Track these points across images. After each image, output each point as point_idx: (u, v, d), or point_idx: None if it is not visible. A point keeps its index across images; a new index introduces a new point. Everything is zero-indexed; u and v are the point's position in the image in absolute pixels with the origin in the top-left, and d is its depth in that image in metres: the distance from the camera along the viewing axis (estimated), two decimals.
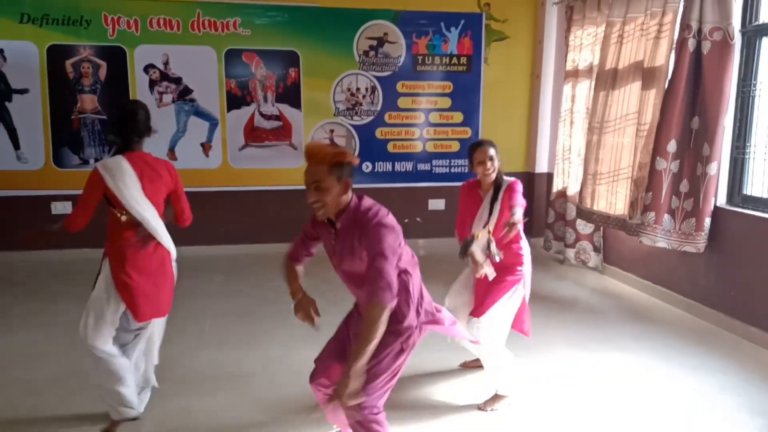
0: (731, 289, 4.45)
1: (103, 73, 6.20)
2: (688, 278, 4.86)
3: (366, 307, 2.25)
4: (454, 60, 6.85)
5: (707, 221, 4.53)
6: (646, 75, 4.91)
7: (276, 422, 3.14)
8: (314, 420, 3.00)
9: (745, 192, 4.52)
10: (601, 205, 5.49)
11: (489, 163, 3.30)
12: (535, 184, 7.02)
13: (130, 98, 6.21)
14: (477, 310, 3.30)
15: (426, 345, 2.84)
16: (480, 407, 3.30)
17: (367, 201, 2.36)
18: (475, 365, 3.77)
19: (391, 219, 2.32)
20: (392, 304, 2.24)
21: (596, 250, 6.07)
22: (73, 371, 3.70)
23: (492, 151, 3.31)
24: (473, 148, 3.35)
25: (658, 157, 4.67)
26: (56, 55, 6.09)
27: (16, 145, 6.16)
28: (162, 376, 3.37)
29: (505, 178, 3.39)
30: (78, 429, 3.08)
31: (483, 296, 3.33)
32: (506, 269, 3.32)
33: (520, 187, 3.35)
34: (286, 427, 3.09)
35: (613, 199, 5.35)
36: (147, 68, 6.26)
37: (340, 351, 2.55)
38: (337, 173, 2.25)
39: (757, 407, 3.32)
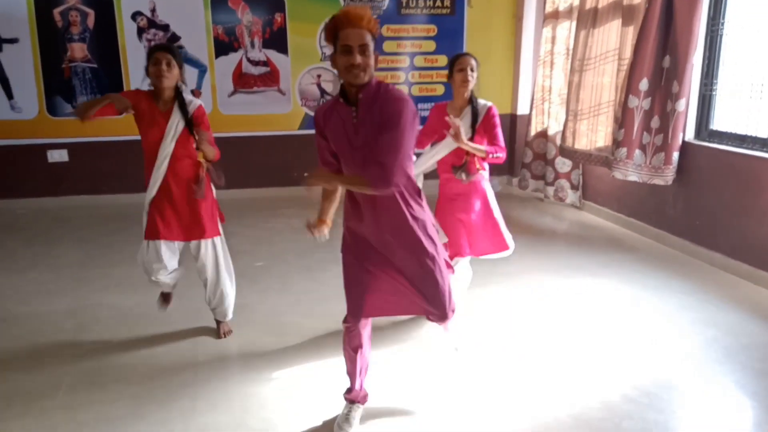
0: (697, 219, 4.77)
1: (91, 21, 6.27)
2: (657, 209, 5.18)
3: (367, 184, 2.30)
4: (438, 3, 6.95)
5: (675, 155, 4.81)
6: (626, 12, 5.08)
7: (277, 339, 3.45)
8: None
9: (711, 127, 4.79)
10: (582, 143, 5.74)
11: (469, 72, 3.33)
12: (518, 125, 7.24)
13: (119, 46, 6.32)
14: (496, 246, 3.56)
15: None
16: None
17: (384, 82, 2.36)
18: None
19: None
20: (387, 191, 2.31)
21: (574, 187, 6.36)
22: (86, 304, 4.00)
23: (473, 63, 3.35)
24: (456, 55, 3.40)
25: (630, 95, 4.90)
26: (44, 4, 6.14)
27: (9, 95, 6.27)
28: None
29: (480, 101, 3.43)
30: (98, 354, 3.37)
31: (485, 232, 3.51)
32: (473, 200, 3.45)
33: (497, 115, 3.40)
34: (286, 348, 3.40)
35: (594, 136, 5.59)
36: (134, 15, 6.33)
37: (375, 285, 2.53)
38: (374, 41, 2.28)
39: (711, 321, 3.68)
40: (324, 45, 6.78)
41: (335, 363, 3.20)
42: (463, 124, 3.32)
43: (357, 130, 2.32)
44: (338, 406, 2.78)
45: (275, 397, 2.93)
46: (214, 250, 3.38)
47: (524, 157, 6.86)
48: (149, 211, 3.25)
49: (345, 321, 2.59)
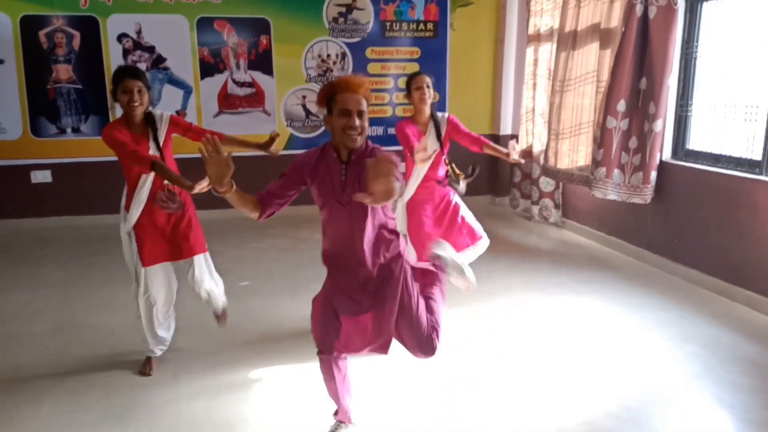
0: (674, 236, 4.86)
1: (77, 42, 6.31)
2: (636, 228, 5.27)
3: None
4: (421, 26, 7.08)
5: (653, 174, 4.91)
6: (603, 36, 5.22)
7: (260, 357, 3.46)
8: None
9: (688, 147, 4.91)
10: (564, 163, 5.84)
11: (426, 90, 3.65)
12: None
13: (104, 68, 6.35)
14: (473, 237, 3.83)
15: None
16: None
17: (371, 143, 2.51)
18: None
19: None
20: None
21: (557, 206, 6.45)
22: (69, 324, 3.98)
23: (428, 80, 3.68)
24: (412, 76, 3.74)
25: (608, 116, 5.01)
26: (29, 26, 6.18)
27: None
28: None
29: (438, 113, 3.79)
30: (81, 374, 3.35)
31: (455, 228, 3.79)
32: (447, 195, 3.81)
33: (457, 119, 3.82)
34: (268, 362, 3.41)
35: (575, 156, 5.69)
36: (120, 37, 6.38)
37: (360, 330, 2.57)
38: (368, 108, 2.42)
39: (690, 337, 3.75)
40: (309, 67, 6.86)
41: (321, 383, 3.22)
42: (430, 140, 3.66)
43: (344, 189, 2.43)
44: (325, 426, 2.79)
45: (260, 416, 2.94)
46: (206, 262, 3.44)
47: (513, 176, 6.96)
48: (138, 238, 3.23)
49: (319, 353, 2.57)
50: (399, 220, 3.83)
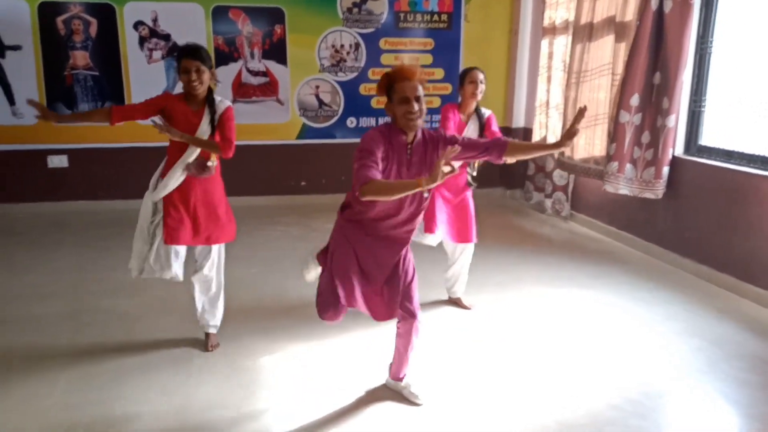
0: (685, 232, 4.86)
1: (93, 30, 6.37)
2: (647, 222, 5.27)
3: (507, 149, 2.74)
4: (435, 17, 7.07)
5: (665, 170, 4.90)
6: (618, 29, 5.20)
7: (271, 342, 3.52)
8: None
9: (700, 143, 4.89)
10: (579, 156, 5.84)
11: (480, 85, 3.78)
12: (513, 137, 7.34)
13: (120, 55, 6.42)
14: (467, 236, 3.91)
15: None
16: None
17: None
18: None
19: None
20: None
21: (569, 200, 6.45)
22: (84, 307, 4.06)
23: (482, 76, 3.80)
24: (467, 69, 3.84)
25: (621, 111, 5.01)
26: (47, 12, 6.25)
27: (11, 101, 6.36)
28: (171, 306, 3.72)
29: (482, 109, 3.91)
30: (94, 356, 3.43)
31: (459, 221, 3.90)
32: (462, 189, 3.92)
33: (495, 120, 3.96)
34: (279, 347, 3.47)
35: (591, 149, 5.68)
36: (136, 25, 6.44)
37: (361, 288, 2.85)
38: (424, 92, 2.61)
39: (697, 331, 3.76)
40: (323, 57, 6.89)
41: (328, 366, 3.28)
42: (471, 130, 3.84)
43: (410, 165, 2.67)
44: (335, 410, 2.84)
45: (270, 399, 2.99)
46: (219, 255, 3.42)
47: (527, 169, 6.97)
48: (165, 212, 3.22)
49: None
50: None
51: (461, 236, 3.95)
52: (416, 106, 2.55)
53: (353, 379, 3.19)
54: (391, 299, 2.84)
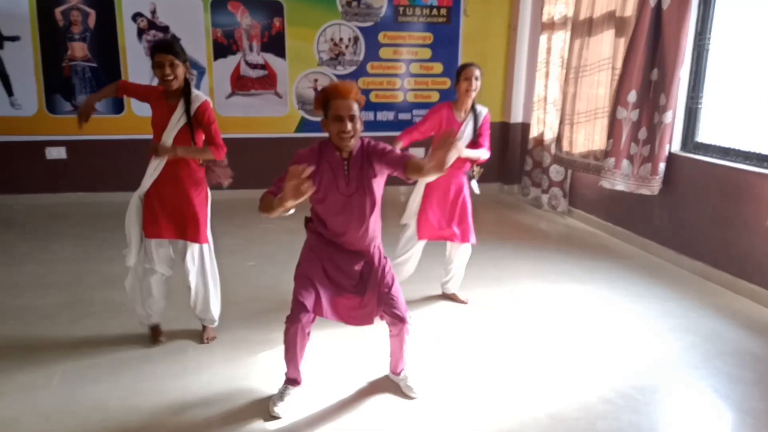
0: (681, 228, 4.88)
1: (92, 21, 6.36)
2: (643, 219, 5.29)
3: (412, 163, 2.63)
4: (435, 11, 7.06)
5: (662, 166, 4.91)
6: (618, 24, 5.20)
7: (266, 334, 3.53)
8: None
9: (697, 139, 4.90)
10: (577, 151, 5.85)
11: (474, 82, 3.72)
12: (510, 133, 7.35)
13: (119, 46, 6.41)
14: (465, 237, 3.93)
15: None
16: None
17: (365, 138, 2.74)
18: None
19: None
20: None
21: (565, 195, 6.47)
22: (81, 298, 4.08)
23: (478, 72, 3.74)
24: (463, 66, 3.79)
25: (619, 107, 5.02)
26: (45, 3, 6.23)
27: (10, 92, 6.35)
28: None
29: (478, 107, 3.85)
30: (92, 347, 3.45)
31: (453, 220, 3.90)
32: (459, 189, 3.92)
33: (489, 121, 3.91)
34: (274, 339, 3.48)
35: (590, 144, 5.69)
36: (135, 17, 6.43)
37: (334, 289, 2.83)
38: (360, 111, 2.62)
39: (691, 327, 3.79)
40: (322, 50, 6.88)
41: (322, 358, 3.29)
42: (467, 130, 3.79)
43: (348, 181, 2.68)
44: (334, 402, 2.87)
45: (263, 390, 3.01)
46: (201, 255, 3.39)
47: (524, 165, 6.98)
48: (144, 207, 3.28)
49: (291, 320, 2.78)
50: (415, 195, 3.94)
51: (454, 235, 3.95)
52: (349, 126, 2.56)
53: (354, 370, 3.21)
54: (363, 307, 2.86)
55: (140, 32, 6.47)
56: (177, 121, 3.19)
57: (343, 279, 2.82)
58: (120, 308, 3.92)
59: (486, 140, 3.87)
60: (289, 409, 2.85)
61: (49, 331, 3.63)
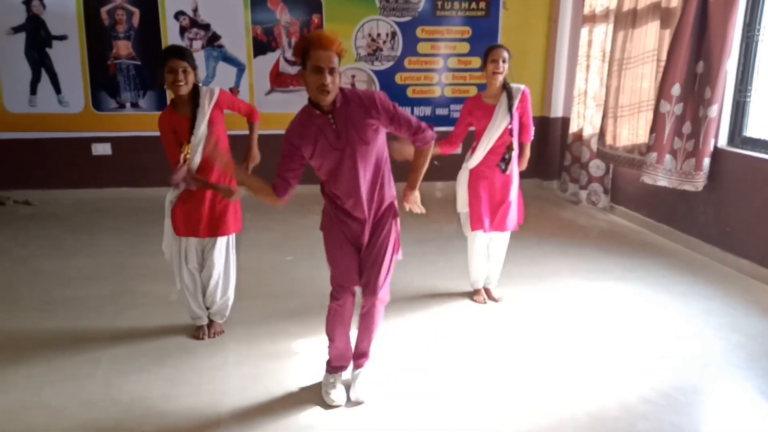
0: (727, 225, 4.74)
1: (136, 20, 6.51)
2: (687, 215, 5.16)
3: (419, 149, 2.76)
4: (473, 5, 7.01)
5: (706, 161, 4.78)
6: (663, 14, 5.08)
7: (304, 328, 3.57)
8: None
9: (745, 134, 4.75)
10: (620, 145, 5.74)
11: (501, 64, 3.64)
12: (550, 128, 7.25)
13: (162, 44, 6.55)
14: (502, 224, 3.87)
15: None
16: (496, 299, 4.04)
17: (344, 87, 2.64)
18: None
19: None
20: (434, 135, 2.76)
21: (606, 191, 6.35)
22: (125, 290, 4.20)
23: (506, 54, 3.66)
24: (490, 47, 3.71)
25: (662, 100, 4.90)
26: (92, 3, 6.42)
27: (58, 90, 6.56)
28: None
29: (513, 85, 3.75)
30: (135, 338, 3.55)
31: (500, 208, 3.85)
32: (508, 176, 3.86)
33: (530, 97, 3.82)
34: (311, 333, 3.52)
35: (634, 138, 5.57)
36: (177, 15, 6.56)
37: (357, 261, 2.83)
38: (339, 63, 2.49)
39: (737, 326, 3.68)
40: (359, 46, 6.90)
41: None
42: (500, 112, 3.70)
43: (338, 135, 2.59)
44: (365, 396, 2.89)
45: (300, 384, 3.05)
46: (225, 244, 3.45)
47: (563, 160, 6.88)
48: (173, 211, 3.32)
49: (336, 298, 2.83)
50: (461, 186, 3.90)
51: (497, 224, 3.88)
52: (329, 78, 2.43)
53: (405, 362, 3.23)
54: (362, 264, 2.81)
55: (182, 30, 6.59)
56: (200, 133, 3.21)
57: (357, 240, 2.80)
58: (162, 300, 4.01)
59: (529, 118, 3.84)
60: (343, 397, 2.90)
61: (95, 321, 3.74)
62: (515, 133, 3.77)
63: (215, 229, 3.38)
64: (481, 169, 3.82)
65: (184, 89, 3.15)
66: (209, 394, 2.95)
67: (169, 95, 6.48)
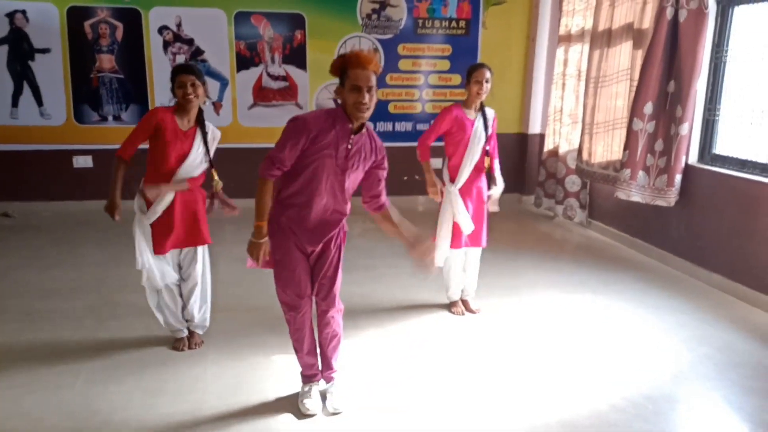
0: (698, 240, 4.87)
1: (119, 34, 6.55)
2: (661, 230, 5.29)
3: (386, 210, 2.87)
4: (453, 24, 7.15)
5: (678, 178, 4.93)
6: (636, 35, 5.24)
7: (283, 338, 3.61)
8: None
9: (714, 151, 4.91)
10: (596, 161, 5.86)
11: (485, 85, 3.77)
12: (528, 144, 7.38)
13: (146, 58, 6.59)
14: (478, 240, 3.97)
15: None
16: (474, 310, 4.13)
17: None
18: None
19: None
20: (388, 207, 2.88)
21: (582, 206, 6.48)
22: (106, 302, 4.21)
23: (488, 74, 3.78)
24: (474, 67, 3.81)
25: (635, 118, 5.05)
26: (76, 16, 6.44)
27: (40, 102, 6.56)
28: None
29: (486, 109, 3.91)
30: (115, 349, 3.56)
31: (477, 224, 3.95)
32: (480, 193, 3.99)
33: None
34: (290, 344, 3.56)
35: (609, 155, 5.70)
36: (161, 30, 6.61)
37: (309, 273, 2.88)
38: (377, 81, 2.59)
39: (705, 339, 3.79)
40: None
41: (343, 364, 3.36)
42: (479, 126, 3.87)
43: (348, 156, 2.66)
44: (350, 405, 2.94)
45: (284, 392, 3.09)
46: (203, 256, 3.54)
47: (539, 175, 7.01)
48: (153, 229, 3.37)
49: (290, 310, 2.88)
50: (448, 204, 3.96)
51: (473, 239, 4.01)
52: (367, 97, 2.52)
53: (380, 373, 3.28)
54: (315, 276, 2.85)
55: (166, 45, 6.64)
56: (201, 159, 3.35)
57: (309, 253, 2.83)
58: (143, 311, 4.01)
59: (496, 145, 4.00)
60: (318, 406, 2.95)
61: (76, 333, 3.75)
62: (492, 151, 3.95)
63: (195, 237, 3.44)
64: (465, 188, 3.93)
65: (195, 102, 3.25)
66: (189, 404, 2.98)
67: (152, 107, 6.55)
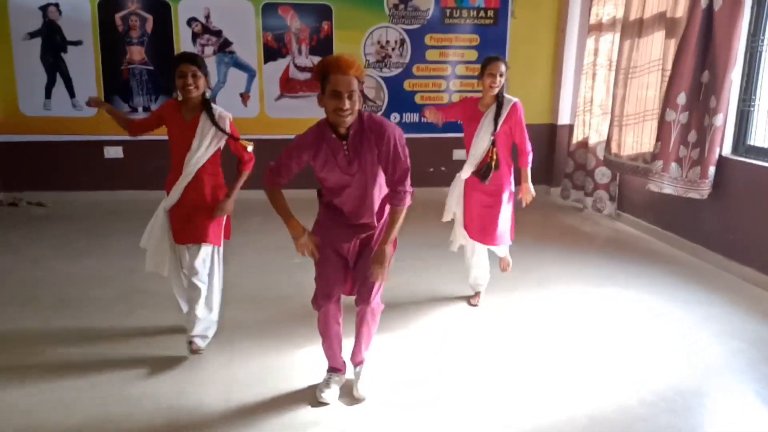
0: (731, 233, 4.77)
1: (149, 26, 6.64)
2: (692, 223, 5.19)
3: (394, 208, 2.71)
4: (482, 13, 7.09)
5: (712, 170, 4.82)
6: (669, 24, 5.14)
7: (310, 328, 3.64)
8: None
9: (749, 143, 4.79)
10: (626, 153, 5.78)
11: (498, 78, 3.67)
12: (557, 135, 7.30)
13: (174, 50, 6.66)
14: (484, 238, 3.89)
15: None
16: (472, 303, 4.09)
17: (364, 112, 2.64)
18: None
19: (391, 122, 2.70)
20: (410, 203, 2.73)
21: (611, 198, 6.39)
22: (136, 290, 4.28)
23: (503, 68, 3.69)
24: (489, 59, 3.72)
25: (668, 109, 4.95)
26: (107, 9, 6.55)
27: (72, 94, 6.68)
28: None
29: (506, 96, 3.79)
30: (146, 336, 3.63)
31: (484, 222, 3.87)
32: (497, 191, 3.84)
33: (522, 110, 3.78)
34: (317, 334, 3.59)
35: (639, 147, 5.62)
36: (190, 21, 6.67)
37: (344, 271, 2.89)
38: (360, 86, 2.51)
39: (737, 333, 3.71)
40: (368, 53, 6.99)
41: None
42: (485, 121, 3.75)
43: (350, 161, 2.63)
44: (370, 394, 2.95)
45: (310, 381, 3.11)
46: (211, 258, 3.40)
47: (566, 167, 6.92)
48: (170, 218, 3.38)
49: (319, 305, 2.90)
50: (455, 197, 3.96)
51: (480, 236, 3.92)
52: (347, 103, 2.44)
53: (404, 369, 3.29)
54: (356, 277, 2.85)
55: (195, 36, 6.71)
56: (207, 145, 3.24)
57: (345, 252, 2.85)
58: (172, 299, 4.07)
59: (524, 135, 3.78)
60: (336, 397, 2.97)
61: (106, 321, 3.82)
62: (499, 143, 3.76)
63: (192, 234, 3.35)
64: (473, 181, 3.88)
65: (195, 93, 3.18)
66: (217, 392, 3.02)
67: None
